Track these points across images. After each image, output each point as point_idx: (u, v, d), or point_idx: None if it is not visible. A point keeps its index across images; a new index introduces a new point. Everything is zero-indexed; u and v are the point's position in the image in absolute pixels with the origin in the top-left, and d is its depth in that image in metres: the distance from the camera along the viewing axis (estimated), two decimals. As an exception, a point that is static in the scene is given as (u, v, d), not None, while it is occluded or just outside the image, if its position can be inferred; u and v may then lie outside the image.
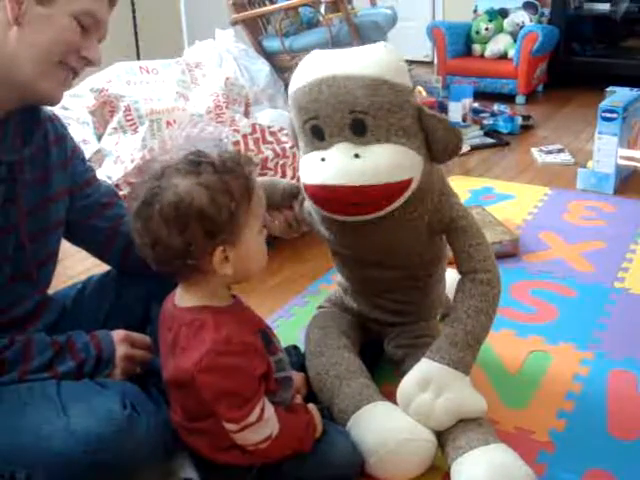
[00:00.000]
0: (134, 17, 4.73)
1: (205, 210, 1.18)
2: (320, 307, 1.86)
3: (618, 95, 3.18)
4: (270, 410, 1.28)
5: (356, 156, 1.42)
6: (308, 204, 1.63)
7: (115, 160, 2.68)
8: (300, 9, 3.92)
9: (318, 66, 1.45)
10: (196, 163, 1.21)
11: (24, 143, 1.37)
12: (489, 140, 3.86)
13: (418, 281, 1.70)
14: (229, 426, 1.24)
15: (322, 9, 3.96)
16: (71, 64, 1.32)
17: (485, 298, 1.54)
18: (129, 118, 2.82)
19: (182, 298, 1.29)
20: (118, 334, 1.45)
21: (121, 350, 1.42)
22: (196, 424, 1.31)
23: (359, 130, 1.42)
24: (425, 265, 1.68)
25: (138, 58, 4.59)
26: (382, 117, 1.42)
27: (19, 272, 1.39)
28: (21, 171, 1.36)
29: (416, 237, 1.59)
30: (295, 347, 1.77)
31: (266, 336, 1.33)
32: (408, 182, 1.46)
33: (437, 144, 1.48)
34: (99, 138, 2.88)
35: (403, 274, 1.67)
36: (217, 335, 1.22)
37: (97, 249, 1.62)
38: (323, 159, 1.44)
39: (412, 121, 1.46)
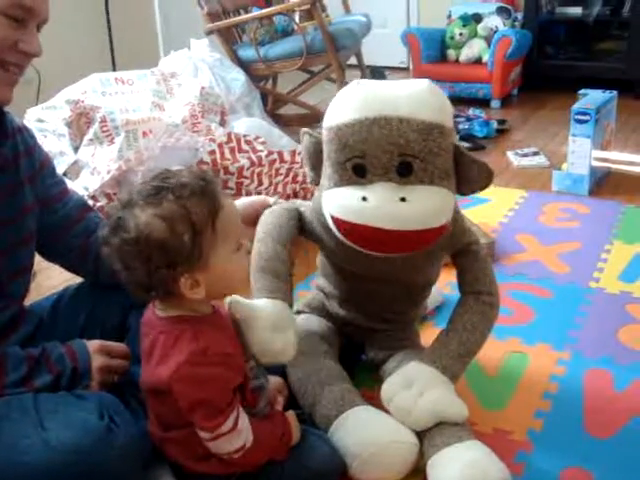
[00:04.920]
0: (109, 28, 4.71)
1: (165, 242, 1.17)
2: (298, 312, 1.86)
3: (590, 97, 3.21)
4: (244, 421, 1.28)
5: (402, 199, 1.41)
6: (313, 223, 1.64)
7: (92, 171, 2.68)
8: (274, 18, 3.93)
9: (368, 104, 1.42)
10: (158, 189, 1.20)
11: None
12: (465, 145, 3.87)
13: (416, 296, 1.76)
14: (202, 434, 1.25)
15: (296, 17, 3.99)
16: (10, 60, 1.27)
17: (484, 317, 1.60)
18: (105, 129, 2.82)
19: (162, 308, 1.29)
20: (93, 345, 1.44)
21: (97, 361, 1.41)
22: (172, 434, 1.31)
23: (405, 172, 1.42)
24: (428, 283, 1.75)
25: (114, 69, 4.58)
26: (430, 161, 1.42)
27: None
28: None
29: (430, 262, 1.64)
30: (274, 354, 1.77)
31: (240, 345, 1.34)
32: (444, 226, 1.48)
33: (467, 182, 1.50)
34: (76, 149, 2.88)
35: (405, 291, 1.71)
36: (195, 345, 1.22)
37: (70, 265, 1.61)
38: (364, 198, 1.42)
39: (452, 162, 1.48)
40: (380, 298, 1.71)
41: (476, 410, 1.69)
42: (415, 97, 1.43)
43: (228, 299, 1.36)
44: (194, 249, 1.19)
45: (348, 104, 1.45)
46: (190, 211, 1.19)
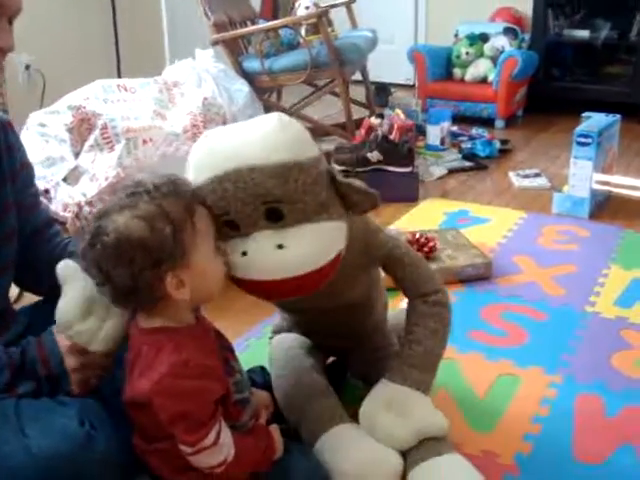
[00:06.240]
0: (116, 35, 4.74)
1: (146, 240, 1.17)
2: (275, 332, 1.87)
3: (593, 120, 3.20)
4: (227, 435, 1.27)
5: (279, 247, 1.31)
6: None
7: (91, 178, 2.67)
8: (280, 30, 3.93)
9: (215, 160, 1.31)
10: (131, 195, 1.21)
11: None
12: (467, 164, 3.88)
13: (363, 310, 1.70)
14: (184, 448, 1.23)
15: (303, 31, 3.99)
16: None
17: (439, 318, 1.56)
18: (105, 136, 2.82)
19: (144, 319, 1.28)
20: (64, 346, 1.36)
21: (70, 362, 1.35)
22: (154, 445, 1.30)
23: (275, 218, 1.31)
24: (366, 295, 1.67)
25: (119, 77, 4.59)
26: (298, 200, 1.30)
27: None
28: None
29: (353, 282, 1.56)
30: (262, 368, 1.77)
31: (224, 358, 1.33)
32: (337, 257, 1.37)
33: (352, 207, 1.40)
34: (76, 155, 2.87)
35: (348, 310, 1.65)
36: (176, 357, 1.21)
37: (35, 277, 1.57)
38: (244, 253, 1.32)
39: (327, 190, 1.36)
40: (328, 323, 1.68)
41: (464, 432, 1.68)
42: (263, 139, 1.30)
43: None
44: (176, 245, 1.19)
45: (198, 164, 1.34)
46: (167, 209, 1.20)
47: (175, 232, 1.19)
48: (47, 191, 2.60)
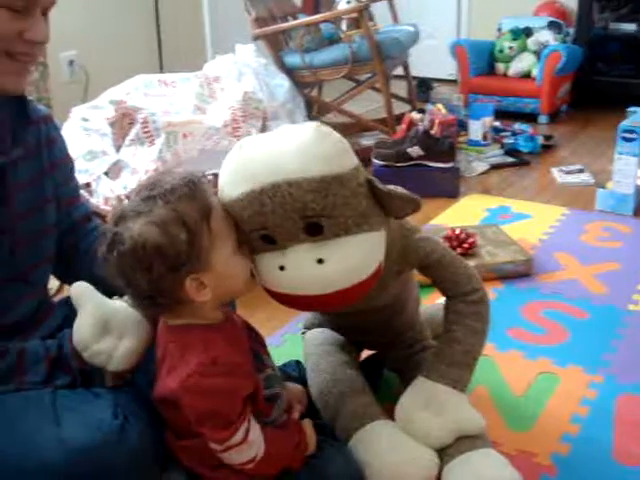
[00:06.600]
0: (158, 31, 4.77)
1: (161, 246, 1.16)
2: (307, 328, 1.86)
3: (639, 115, 3.14)
4: (256, 432, 1.26)
5: (319, 261, 1.27)
6: None
7: (132, 171, 2.71)
8: (321, 25, 3.92)
9: (251, 173, 1.25)
10: (146, 199, 1.20)
11: (13, 144, 1.34)
12: (509, 159, 3.83)
13: (394, 310, 1.67)
14: (213, 445, 1.23)
15: (344, 25, 3.97)
16: (18, 51, 1.23)
17: (479, 317, 1.54)
18: (146, 130, 2.84)
19: (171, 317, 1.28)
20: None
21: None
22: (185, 442, 1.30)
23: (315, 231, 1.27)
24: (397, 296, 1.64)
25: (161, 71, 4.62)
26: (338, 214, 1.26)
27: (12, 274, 1.37)
28: (13, 173, 1.34)
29: (387, 286, 1.52)
30: (297, 362, 1.77)
31: (255, 353, 1.33)
32: (378, 268, 1.34)
33: (393, 211, 1.36)
34: (118, 149, 2.91)
35: (379, 313, 1.63)
36: (203, 355, 1.21)
37: (66, 269, 1.58)
38: (282, 267, 1.29)
39: (367, 200, 1.31)
40: (358, 321, 1.67)
41: (501, 430, 1.66)
42: (301, 151, 1.24)
43: None
44: (193, 250, 1.18)
45: (232, 177, 1.29)
46: (181, 213, 1.18)
47: (191, 236, 1.18)
48: (88, 185, 2.63)
